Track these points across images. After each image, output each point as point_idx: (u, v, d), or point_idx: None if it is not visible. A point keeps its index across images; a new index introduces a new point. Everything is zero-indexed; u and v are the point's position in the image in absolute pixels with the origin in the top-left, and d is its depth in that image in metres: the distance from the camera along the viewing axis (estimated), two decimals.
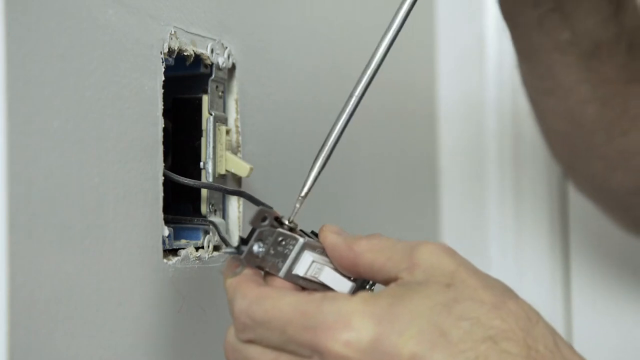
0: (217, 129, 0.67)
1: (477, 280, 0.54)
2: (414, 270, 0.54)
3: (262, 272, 0.58)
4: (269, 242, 0.58)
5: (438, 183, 1.11)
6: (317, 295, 0.54)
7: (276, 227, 0.58)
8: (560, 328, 1.04)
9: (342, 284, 0.58)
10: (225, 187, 0.67)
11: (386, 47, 0.62)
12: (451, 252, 0.55)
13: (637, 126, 0.80)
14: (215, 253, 0.67)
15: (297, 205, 0.60)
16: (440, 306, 0.52)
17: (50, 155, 0.53)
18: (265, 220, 0.58)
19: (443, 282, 0.53)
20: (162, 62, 0.63)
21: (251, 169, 0.67)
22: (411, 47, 1.06)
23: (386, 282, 0.56)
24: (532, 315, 0.53)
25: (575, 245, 1.08)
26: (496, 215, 1.09)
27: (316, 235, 0.59)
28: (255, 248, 0.58)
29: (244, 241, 0.58)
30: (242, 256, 0.57)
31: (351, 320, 0.52)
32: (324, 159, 0.61)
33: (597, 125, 0.80)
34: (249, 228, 0.58)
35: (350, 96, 0.61)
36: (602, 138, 0.81)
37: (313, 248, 0.58)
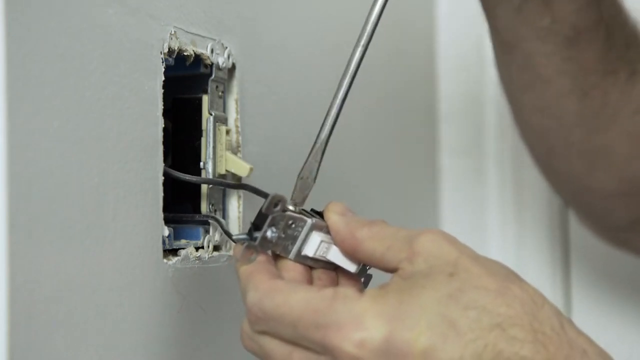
0: (217, 129, 0.67)
1: (479, 267, 0.54)
2: (414, 260, 0.55)
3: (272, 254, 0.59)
4: (281, 226, 0.58)
5: (438, 182, 1.11)
6: (328, 292, 0.54)
7: (285, 211, 0.58)
8: None
9: (349, 263, 0.59)
10: (226, 181, 0.67)
11: (373, 25, 0.61)
12: (452, 240, 0.55)
13: (616, 124, 0.79)
14: (215, 253, 0.67)
15: (296, 188, 0.60)
16: (446, 297, 0.53)
17: (50, 155, 0.53)
18: (278, 206, 0.58)
19: (446, 272, 0.54)
20: (162, 62, 0.63)
21: (251, 169, 0.67)
22: (411, 46, 1.06)
23: (386, 271, 0.56)
24: (537, 299, 0.54)
25: (575, 245, 1.08)
26: (496, 214, 1.09)
27: (317, 212, 0.60)
28: (269, 234, 0.58)
29: (255, 227, 0.58)
30: (257, 242, 0.58)
31: (363, 320, 0.52)
32: (326, 136, 0.60)
33: (576, 120, 0.79)
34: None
35: (349, 64, 0.61)
36: (581, 134, 0.80)
37: (320, 228, 0.59)
